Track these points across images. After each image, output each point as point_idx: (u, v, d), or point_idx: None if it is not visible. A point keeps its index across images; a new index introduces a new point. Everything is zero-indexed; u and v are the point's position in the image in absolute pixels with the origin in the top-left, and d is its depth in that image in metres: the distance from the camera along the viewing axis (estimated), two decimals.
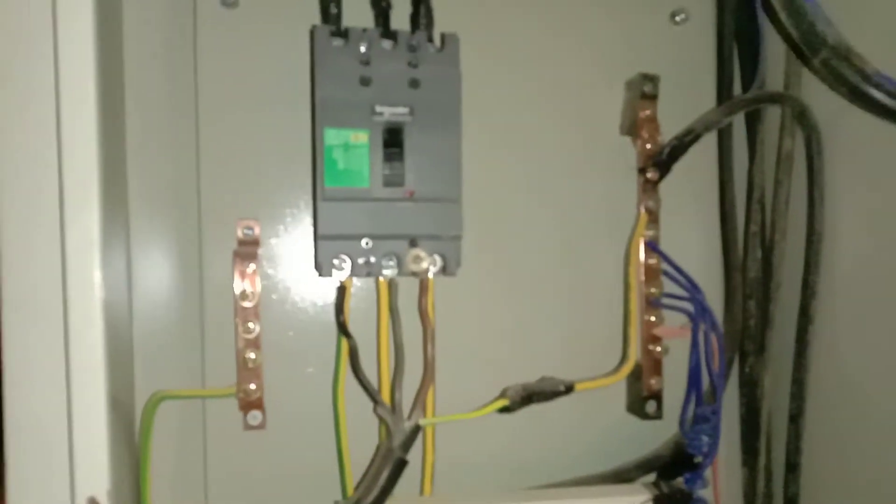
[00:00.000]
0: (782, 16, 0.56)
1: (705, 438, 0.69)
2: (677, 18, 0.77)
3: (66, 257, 0.42)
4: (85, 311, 0.41)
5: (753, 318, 0.75)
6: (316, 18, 0.65)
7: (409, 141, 0.61)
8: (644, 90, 0.73)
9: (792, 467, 0.73)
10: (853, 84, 0.55)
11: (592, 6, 0.75)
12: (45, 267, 0.42)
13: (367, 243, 0.62)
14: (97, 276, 0.43)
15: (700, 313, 0.71)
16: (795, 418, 0.73)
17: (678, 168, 0.73)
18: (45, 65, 0.44)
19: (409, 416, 0.63)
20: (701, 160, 0.76)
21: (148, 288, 0.66)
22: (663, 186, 0.74)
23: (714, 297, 0.76)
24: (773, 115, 0.75)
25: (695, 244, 0.77)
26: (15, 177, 0.43)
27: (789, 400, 0.73)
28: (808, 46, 0.55)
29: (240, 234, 0.66)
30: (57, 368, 0.40)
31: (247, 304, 0.65)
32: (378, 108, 0.60)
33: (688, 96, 0.76)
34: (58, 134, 0.43)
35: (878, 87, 0.54)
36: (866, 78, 0.54)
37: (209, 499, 0.67)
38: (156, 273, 0.66)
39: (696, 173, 0.76)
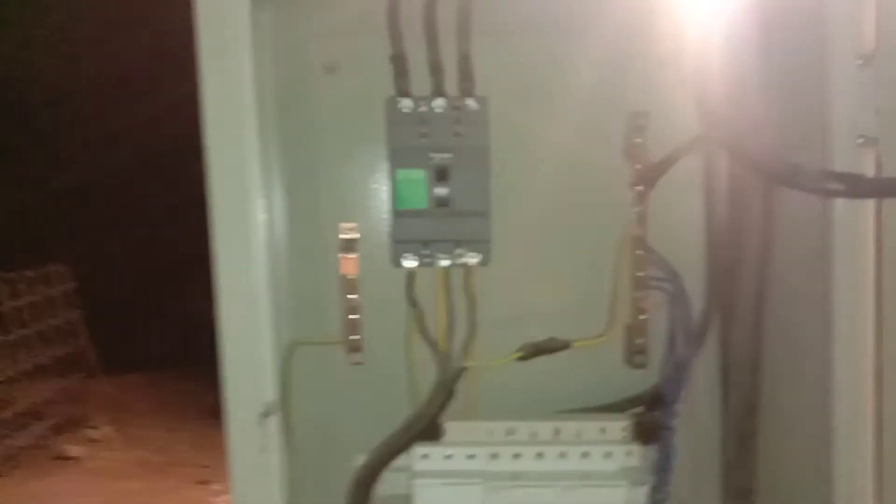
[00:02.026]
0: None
1: (675, 384, 0.95)
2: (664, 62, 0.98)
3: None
4: None
5: (727, 292, 0.97)
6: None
7: (452, 175, 0.89)
8: (637, 123, 0.95)
9: (751, 407, 0.97)
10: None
11: (593, 60, 0.97)
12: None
13: (425, 245, 0.91)
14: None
15: (675, 292, 0.95)
16: (753, 370, 0.96)
17: (672, 176, 0.96)
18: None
19: (457, 361, 0.93)
20: (691, 170, 0.98)
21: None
22: (660, 189, 0.97)
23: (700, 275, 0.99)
24: None
25: (682, 231, 1.00)
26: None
27: (748, 357, 0.96)
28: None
29: (344, 234, 0.97)
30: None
31: (350, 280, 0.96)
32: (431, 155, 0.88)
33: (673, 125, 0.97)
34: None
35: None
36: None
37: (329, 412, 1.00)
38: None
39: (686, 181, 0.98)
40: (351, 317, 0.97)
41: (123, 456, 4.28)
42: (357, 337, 0.97)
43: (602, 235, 0.98)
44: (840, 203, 0.78)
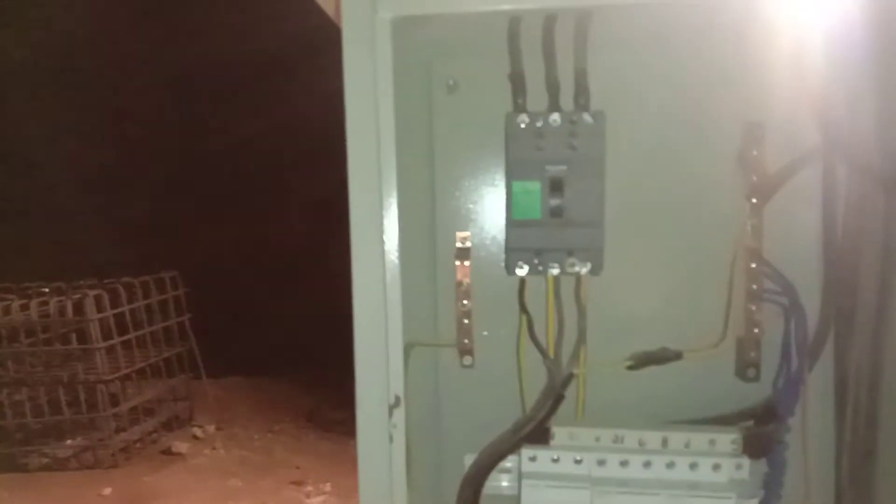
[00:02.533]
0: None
1: (789, 398, 0.94)
2: (781, 74, 0.98)
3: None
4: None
5: (846, 308, 0.95)
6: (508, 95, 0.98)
7: (567, 187, 0.92)
8: (754, 134, 0.96)
9: (870, 425, 0.94)
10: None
11: (708, 72, 0.98)
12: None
13: (538, 253, 0.95)
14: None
15: (792, 306, 0.94)
16: (873, 388, 0.93)
17: (790, 188, 0.96)
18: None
19: (566, 367, 0.95)
20: (809, 182, 0.97)
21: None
22: (776, 203, 0.97)
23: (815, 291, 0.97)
24: None
25: (799, 243, 0.98)
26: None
27: (867, 373, 0.94)
28: None
29: (459, 243, 1.02)
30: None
31: (463, 287, 1.01)
32: (547, 167, 0.92)
33: (794, 134, 0.97)
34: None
35: None
36: None
37: (440, 412, 1.05)
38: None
39: (804, 192, 0.97)
40: (464, 321, 1.01)
41: (225, 454, 4.51)
42: (468, 341, 1.02)
43: (715, 247, 0.99)
44: None
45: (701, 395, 1.00)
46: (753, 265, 0.97)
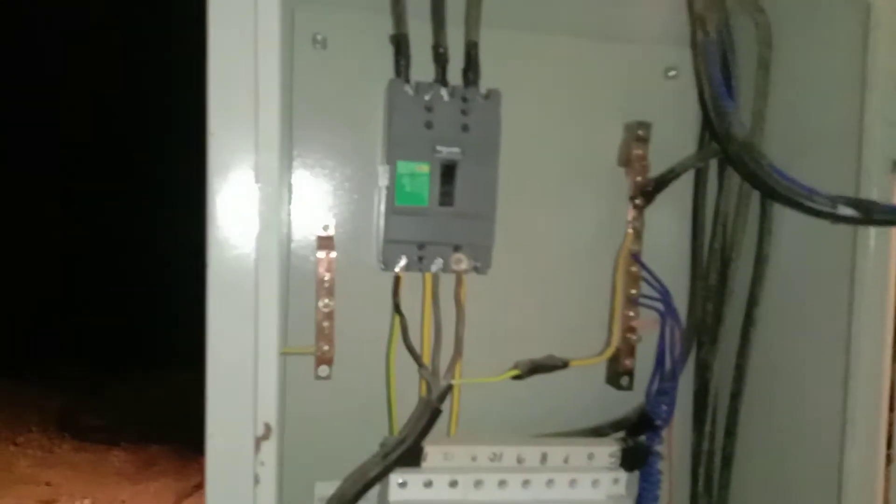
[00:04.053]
0: (711, 114, 0.76)
1: (664, 407, 0.91)
2: (670, 74, 0.96)
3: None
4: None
5: (710, 317, 0.95)
6: (386, 61, 0.84)
7: (460, 173, 0.81)
8: (638, 133, 0.92)
9: (729, 433, 0.95)
10: (751, 171, 0.75)
11: (603, 63, 0.93)
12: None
13: (421, 247, 0.82)
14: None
15: (668, 311, 0.92)
16: (735, 396, 0.94)
17: (662, 196, 0.94)
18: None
19: (444, 377, 0.84)
20: (680, 190, 0.96)
21: None
22: (649, 209, 0.94)
23: (680, 299, 0.96)
24: None
25: (669, 256, 0.97)
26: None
27: (731, 382, 0.94)
28: (725, 140, 0.75)
29: (321, 231, 0.85)
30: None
31: (325, 284, 0.85)
32: (438, 148, 0.79)
33: (675, 139, 0.95)
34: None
35: (768, 176, 0.74)
36: (761, 168, 0.74)
37: (285, 435, 0.88)
38: None
39: (675, 200, 0.96)
40: (324, 325, 0.85)
41: None
42: (327, 348, 0.86)
43: (598, 247, 0.94)
44: (862, 236, 0.77)
45: (580, 404, 0.94)
46: (633, 269, 0.93)
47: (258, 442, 0.59)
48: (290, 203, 0.86)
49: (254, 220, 0.62)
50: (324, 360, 0.86)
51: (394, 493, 0.82)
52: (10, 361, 5.22)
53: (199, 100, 0.62)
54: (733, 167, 0.78)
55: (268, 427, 0.59)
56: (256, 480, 0.59)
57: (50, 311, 5.79)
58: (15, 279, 5.90)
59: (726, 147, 0.75)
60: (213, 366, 0.59)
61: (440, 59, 0.83)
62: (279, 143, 0.61)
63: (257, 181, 0.63)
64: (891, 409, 0.80)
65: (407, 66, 0.82)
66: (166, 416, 4.43)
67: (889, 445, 0.80)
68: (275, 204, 0.62)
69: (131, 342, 5.50)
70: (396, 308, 0.85)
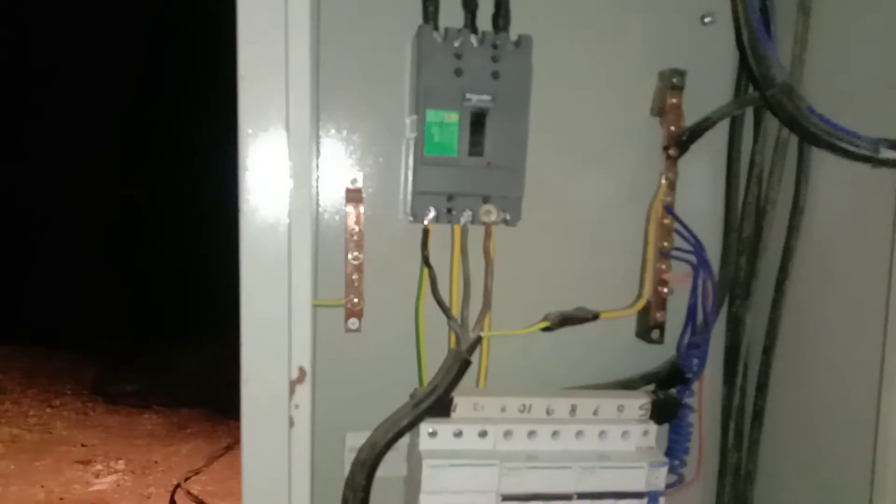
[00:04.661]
0: (749, 58, 0.73)
1: (695, 360, 0.91)
2: (706, 20, 0.93)
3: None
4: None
5: (743, 271, 0.94)
6: (415, 6, 0.82)
7: (490, 122, 0.79)
8: (673, 81, 0.90)
9: (761, 387, 0.94)
10: (790, 114, 0.72)
11: (636, 10, 0.91)
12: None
13: (450, 198, 0.81)
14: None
15: (701, 264, 0.90)
16: (768, 350, 0.93)
17: (696, 146, 0.91)
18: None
19: (473, 329, 0.83)
20: (715, 141, 0.94)
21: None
22: (682, 161, 0.92)
23: (713, 252, 0.95)
24: None
25: (703, 209, 0.95)
26: None
27: (764, 336, 0.93)
28: (763, 83, 0.73)
29: (349, 184, 0.85)
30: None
31: (354, 237, 0.85)
32: (468, 96, 0.78)
33: (710, 88, 0.93)
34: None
35: (806, 119, 0.71)
36: (800, 111, 0.71)
37: (316, 387, 0.89)
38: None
39: (710, 151, 0.94)
40: (353, 278, 0.85)
41: None
42: (357, 300, 0.86)
43: (631, 198, 0.92)
44: None
45: (610, 357, 0.94)
46: (666, 221, 0.91)
47: (293, 385, 0.59)
48: (317, 156, 0.85)
49: (284, 167, 0.61)
50: (353, 312, 0.86)
51: (424, 441, 0.83)
52: (45, 332, 5.33)
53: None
54: (771, 111, 0.75)
55: (302, 371, 0.60)
56: (291, 423, 0.60)
57: (83, 283, 5.89)
58: (50, 253, 6.01)
59: (764, 90, 0.73)
60: (246, 310, 0.59)
61: (469, 5, 0.81)
62: (310, 90, 0.60)
63: (287, 130, 0.62)
64: None
65: (436, 12, 0.81)
66: (197, 382, 4.52)
67: None
68: (306, 154, 0.61)
69: (163, 315, 5.58)
70: (425, 260, 0.84)
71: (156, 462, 3.66)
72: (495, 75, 0.79)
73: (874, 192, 0.79)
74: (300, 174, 0.62)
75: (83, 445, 3.85)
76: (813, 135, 0.72)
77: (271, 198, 0.60)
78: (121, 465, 3.63)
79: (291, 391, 0.59)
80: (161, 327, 5.41)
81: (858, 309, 0.82)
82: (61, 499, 3.24)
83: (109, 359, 5.05)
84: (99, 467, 3.60)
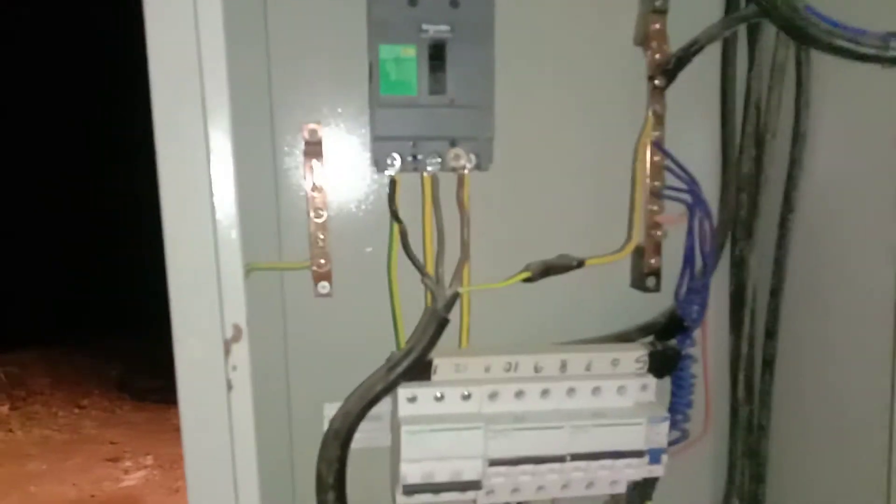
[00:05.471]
0: None
1: (695, 307, 0.84)
2: None
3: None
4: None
5: (744, 208, 0.86)
6: None
7: (451, 55, 0.73)
8: (655, 4, 0.82)
9: (770, 334, 0.87)
10: (786, 16, 0.64)
11: None
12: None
13: (414, 144, 0.75)
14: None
15: (696, 203, 0.83)
16: (775, 293, 0.86)
17: (684, 75, 0.84)
18: None
19: (450, 285, 0.77)
20: (705, 69, 0.86)
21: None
22: (671, 92, 0.85)
23: (711, 190, 0.87)
24: (770, 29, 0.84)
25: (697, 143, 0.88)
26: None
27: (771, 277, 0.86)
28: None
29: (306, 135, 0.79)
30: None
31: (316, 194, 0.79)
32: (424, 27, 0.72)
33: (697, 9, 0.85)
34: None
35: (804, 19, 0.63)
36: (797, 11, 0.63)
37: (288, 354, 0.84)
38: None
39: (700, 81, 0.87)
40: (319, 237, 0.80)
41: (23, 436, 3.94)
42: (324, 262, 0.81)
43: (615, 134, 0.85)
44: None
45: (603, 308, 0.87)
46: (656, 158, 0.84)
47: (228, 344, 0.54)
48: (271, 105, 0.79)
49: (197, 117, 0.55)
50: (322, 275, 0.81)
51: (403, 407, 0.77)
52: (70, 333, 5.40)
53: None
54: (765, 15, 0.67)
55: (237, 328, 0.54)
56: (230, 386, 0.54)
57: (103, 283, 5.94)
58: (70, 257, 6.06)
59: None
60: (172, 265, 0.53)
61: None
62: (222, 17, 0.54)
63: (203, 77, 0.56)
64: None
65: None
66: None
67: None
68: (221, 89, 0.55)
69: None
70: (394, 215, 0.78)
71: (182, 456, 3.68)
72: (454, 3, 0.72)
73: (879, 112, 0.71)
74: (219, 124, 0.56)
75: (112, 443, 3.89)
76: (812, 37, 0.64)
77: (189, 151, 0.55)
78: (149, 460, 3.66)
79: (227, 351, 0.54)
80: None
81: (869, 241, 0.75)
82: (93, 496, 3.27)
83: (133, 356, 5.09)
84: (128, 464, 3.62)
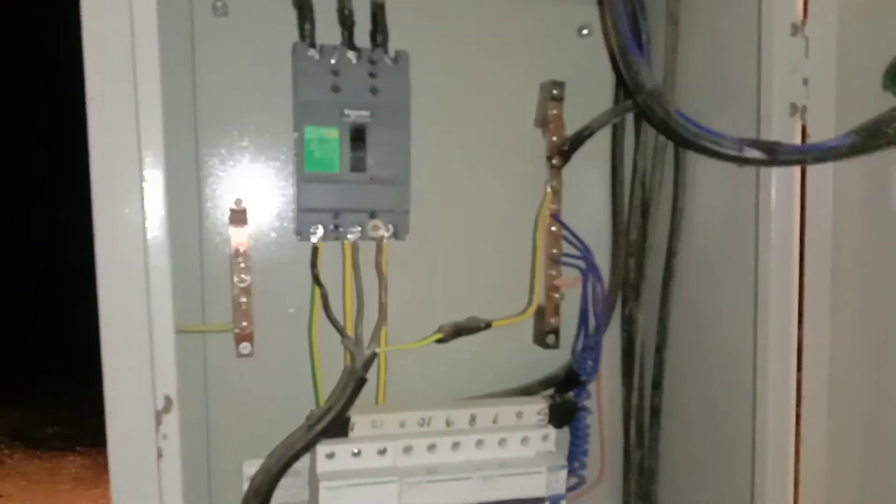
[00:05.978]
0: (620, 65, 0.76)
1: (590, 363, 0.93)
2: (583, 32, 0.96)
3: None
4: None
5: (633, 272, 0.97)
6: (291, 26, 0.82)
7: (370, 137, 0.80)
8: (553, 93, 0.92)
9: (657, 385, 0.97)
10: (661, 119, 0.75)
11: (514, 22, 0.93)
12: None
13: (336, 215, 0.81)
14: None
15: (590, 268, 0.93)
16: (660, 348, 0.96)
17: (579, 154, 0.94)
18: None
19: (368, 346, 0.83)
20: (598, 149, 0.96)
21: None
22: (567, 168, 0.95)
23: (603, 256, 0.97)
24: None
25: (590, 214, 0.98)
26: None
27: (656, 335, 0.96)
28: (634, 89, 0.75)
29: (233, 205, 0.84)
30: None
31: (240, 259, 0.83)
32: (346, 111, 0.78)
33: (590, 98, 0.96)
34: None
35: (675, 122, 0.74)
36: (669, 115, 0.74)
37: (209, 413, 0.86)
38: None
39: (595, 160, 0.97)
40: (241, 300, 0.84)
41: None
42: (246, 324, 0.85)
43: (518, 208, 0.94)
44: (764, 181, 0.79)
45: (508, 364, 0.95)
46: (553, 228, 0.93)
47: (159, 415, 0.58)
48: (199, 179, 0.83)
49: (135, 193, 0.59)
50: (244, 337, 0.85)
51: (321, 464, 0.82)
52: None
53: None
54: (643, 116, 0.78)
55: (168, 399, 0.58)
56: (160, 454, 0.58)
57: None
58: None
59: (636, 96, 0.75)
60: (106, 338, 0.57)
61: (346, 22, 0.82)
62: (161, 111, 0.59)
63: (141, 152, 0.60)
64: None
65: (312, 29, 0.81)
66: None
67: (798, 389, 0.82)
68: (158, 175, 0.60)
69: (89, 352, 5.32)
70: (316, 279, 0.83)
71: None
72: (373, 91, 0.80)
73: (743, 191, 0.83)
74: (153, 195, 0.60)
75: (0, 496, 3.64)
76: (682, 137, 0.75)
77: (124, 222, 0.58)
78: None
79: (158, 421, 0.58)
80: (85, 366, 5.17)
81: (734, 303, 0.86)
82: None
83: (30, 402, 4.80)
84: None
